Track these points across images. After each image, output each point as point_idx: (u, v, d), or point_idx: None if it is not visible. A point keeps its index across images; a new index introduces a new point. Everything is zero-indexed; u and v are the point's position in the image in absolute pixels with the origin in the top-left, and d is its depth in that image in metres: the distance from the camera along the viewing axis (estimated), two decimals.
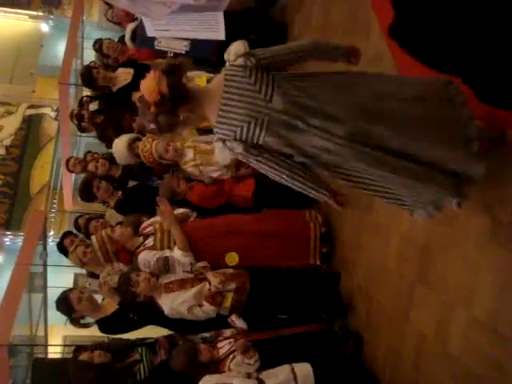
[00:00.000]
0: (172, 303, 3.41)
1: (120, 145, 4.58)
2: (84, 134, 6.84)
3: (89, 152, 5.89)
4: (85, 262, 3.88)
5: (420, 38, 1.69)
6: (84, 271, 4.80)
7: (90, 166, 5.13)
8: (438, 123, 2.10)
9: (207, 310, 3.40)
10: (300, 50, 2.22)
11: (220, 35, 2.39)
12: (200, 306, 3.40)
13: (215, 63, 4.91)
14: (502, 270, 2.32)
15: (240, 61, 2.06)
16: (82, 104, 6.12)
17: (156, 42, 4.68)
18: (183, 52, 4.66)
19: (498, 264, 2.35)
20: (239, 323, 3.43)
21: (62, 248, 4.53)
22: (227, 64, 2.16)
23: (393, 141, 2.05)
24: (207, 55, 4.88)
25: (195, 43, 4.59)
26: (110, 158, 5.10)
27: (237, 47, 2.15)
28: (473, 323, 2.48)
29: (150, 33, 2.47)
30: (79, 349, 3.64)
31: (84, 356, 3.42)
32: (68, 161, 5.63)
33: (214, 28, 2.42)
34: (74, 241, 4.38)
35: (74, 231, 4.96)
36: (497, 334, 2.32)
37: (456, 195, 2.15)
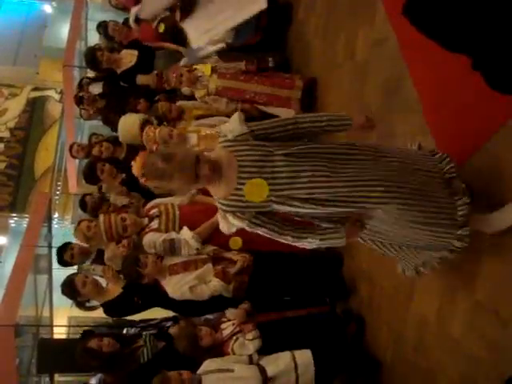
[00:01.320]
0: (176, 285, 3.44)
1: (129, 123, 4.56)
2: None
3: (93, 134, 5.91)
4: (89, 236, 3.89)
5: (434, 16, 1.67)
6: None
7: (95, 151, 5.14)
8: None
9: (215, 286, 3.41)
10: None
11: (262, 4, 2.33)
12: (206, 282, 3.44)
13: (255, 47, 4.92)
14: (503, 253, 2.34)
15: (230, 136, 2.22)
16: (81, 86, 6.11)
17: (200, 51, 4.63)
18: (228, 44, 4.61)
19: (500, 249, 2.36)
20: (236, 313, 3.45)
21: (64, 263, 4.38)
22: (224, 140, 2.25)
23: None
24: (251, 38, 4.81)
25: (237, 31, 4.53)
26: (114, 140, 5.11)
27: (232, 124, 2.23)
28: (474, 306, 2.50)
29: (195, 43, 2.42)
30: (89, 334, 3.65)
31: (93, 343, 3.42)
32: (71, 147, 5.64)
33: None
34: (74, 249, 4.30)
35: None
36: (498, 316, 2.34)
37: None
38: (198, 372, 3.06)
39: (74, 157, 5.81)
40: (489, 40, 1.64)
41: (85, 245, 4.21)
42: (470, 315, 2.54)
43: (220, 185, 2.22)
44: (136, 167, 2.27)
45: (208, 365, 3.12)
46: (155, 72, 5.08)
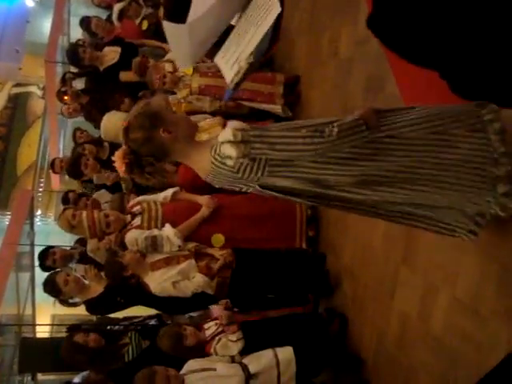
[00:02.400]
0: (158, 280, 3.44)
1: (112, 121, 4.53)
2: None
3: (78, 129, 5.85)
4: (74, 224, 3.87)
5: (398, 30, 1.67)
6: None
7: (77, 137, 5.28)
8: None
9: (199, 281, 3.41)
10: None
11: (277, 8, 2.16)
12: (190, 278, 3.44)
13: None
14: (484, 253, 2.36)
15: (230, 163, 1.96)
16: (64, 81, 6.06)
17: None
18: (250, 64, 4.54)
19: (480, 247, 2.38)
20: (217, 311, 3.45)
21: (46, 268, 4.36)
22: (217, 146, 2.01)
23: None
24: (267, 53, 4.76)
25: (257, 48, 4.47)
26: (96, 142, 5.11)
27: (228, 133, 2.00)
28: (454, 304, 2.53)
29: (230, 79, 2.24)
30: (74, 329, 3.65)
31: (79, 338, 3.43)
32: (53, 162, 5.56)
33: (269, 5, 2.20)
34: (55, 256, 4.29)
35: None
36: (477, 314, 2.37)
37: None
38: (181, 372, 3.06)
39: (57, 172, 5.76)
40: (449, 55, 1.64)
41: (66, 248, 4.21)
42: (450, 312, 2.56)
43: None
44: (117, 158, 2.20)
45: (191, 365, 3.12)
46: (141, 55, 5.00)
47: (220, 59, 2.40)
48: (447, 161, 2.00)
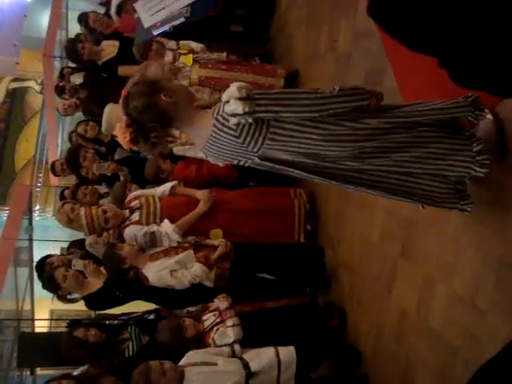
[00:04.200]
0: (156, 269, 3.45)
1: (115, 113, 4.51)
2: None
3: (81, 122, 5.82)
4: (72, 218, 3.86)
5: (398, 15, 1.67)
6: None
7: (80, 129, 5.15)
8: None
9: (196, 270, 3.42)
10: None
11: None
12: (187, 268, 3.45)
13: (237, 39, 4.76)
14: (481, 246, 2.37)
15: (234, 120, 1.95)
16: (62, 75, 6.03)
17: (154, 30, 4.56)
18: (184, 20, 4.55)
19: (478, 241, 2.39)
20: (222, 303, 3.45)
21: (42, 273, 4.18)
22: (221, 106, 2.01)
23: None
24: (209, 10, 4.75)
25: (194, 4, 4.47)
26: (100, 122, 5.09)
27: (232, 90, 1.98)
28: (453, 298, 2.53)
29: (147, 23, 2.34)
30: (75, 324, 3.65)
31: (79, 333, 3.43)
32: (53, 165, 5.36)
33: None
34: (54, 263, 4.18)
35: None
36: (475, 307, 2.37)
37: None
38: (181, 363, 3.05)
39: (58, 175, 5.66)
40: (450, 42, 1.65)
41: (63, 257, 4.17)
42: (448, 306, 2.57)
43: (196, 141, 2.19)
44: (119, 132, 2.16)
45: (191, 356, 3.11)
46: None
47: (140, 6, 2.44)
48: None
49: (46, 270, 4.08)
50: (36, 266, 4.32)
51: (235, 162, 2.14)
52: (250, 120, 1.94)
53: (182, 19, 4.31)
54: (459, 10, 1.52)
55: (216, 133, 2.02)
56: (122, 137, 2.12)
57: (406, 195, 2.22)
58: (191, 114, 2.12)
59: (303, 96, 1.98)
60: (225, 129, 1.99)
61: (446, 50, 1.68)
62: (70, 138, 5.74)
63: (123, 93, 2.10)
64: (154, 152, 3.57)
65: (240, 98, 1.92)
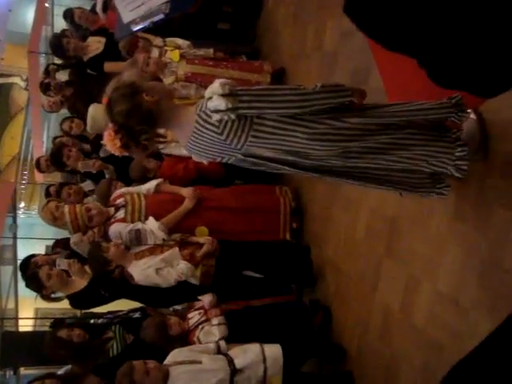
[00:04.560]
0: (141, 268, 3.43)
1: (99, 112, 4.48)
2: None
3: (66, 118, 5.77)
4: (57, 216, 3.82)
5: (375, 15, 1.67)
6: None
7: (65, 126, 5.13)
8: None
9: (182, 268, 3.41)
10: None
11: None
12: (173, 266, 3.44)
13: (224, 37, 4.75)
14: (465, 245, 2.39)
15: (216, 117, 1.95)
16: (48, 72, 5.97)
17: (133, 26, 4.53)
18: (164, 17, 4.53)
19: (462, 240, 2.41)
20: (206, 298, 3.45)
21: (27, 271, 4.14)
22: (203, 103, 2.02)
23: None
24: (188, 7, 4.74)
25: (173, 0, 4.46)
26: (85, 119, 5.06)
27: (215, 87, 1.99)
28: (437, 296, 2.55)
29: (126, 18, 2.35)
30: (58, 324, 3.62)
31: (63, 333, 3.39)
32: (38, 162, 5.30)
33: None
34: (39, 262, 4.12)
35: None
36: (458, 305, 2.39)
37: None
38: (165, 362, 3.03)
39: (43, 172, 5.62)
40: (427, 42, 1.65)
41: (48, 257, 4.13)
42: (432, 303, 2.59)
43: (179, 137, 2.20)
44: (108, 140, 2.14)
45: (176, 355, 3.09)
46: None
47: (120, 2, 2.45)
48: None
49: (29, 269, 4.03)
50: (20, 265, 4.27)
51: (219, 160, 2.14)
52: (233, 116, 1.94)
53: (161, 16, 4.30)
54: (436, 8, 1.53)
55: (198, 129, 2.02)
56: (112, 144, 2.10)
57: (386, 184, 2.24)
58: (174, 111, 2.12)
59: (286, 92, 1.98)
60: (207, 125, 1.99)
61: (424, 50, 1.69)
62: (53, 144, 5.68)
63: (104, 100, 2.09)
64: (146, 154, 3.57)
65: (223, 95, 1.92)
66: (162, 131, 2.27)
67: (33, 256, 4.23)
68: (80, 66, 5.46)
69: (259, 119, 1.99)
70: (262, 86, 2.08)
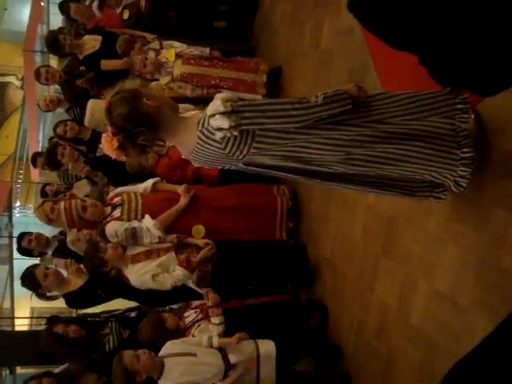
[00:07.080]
0: (138, 273, 3.42)
1: (99, 106, 4.46)
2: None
3: (60, 122, 5.74)
4: (51, 218, 3.81)
5: (379, 12, 1.67)
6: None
7: (59, 130, 5.08)
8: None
9: (179, 275, 3.40)
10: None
11: None
12: (169, 272, 3.43)
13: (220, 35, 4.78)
14: (462, 244, 2.39)
15: (219, 135, 1.95)
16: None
17: None
18: None
19: (458, 239, 2.41)
20: (210, 295, 3.44)
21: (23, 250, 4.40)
22: (205, 119, 2.00)
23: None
24: None
25: None
26: (79, 120, 5.03)
27: (217, 104, 1.95)
28: (433, 294, 2.55)
29: None
30: (54, 320, 3.60)
31: (59, 328, 3.39)
32: (34, 158, 5.25)
33: None
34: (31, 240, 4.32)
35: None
36: (455, 304, 2.39)
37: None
38: (160, 354, 3.03)
39: (38, 167, 5.61)
40: (430, 39, 1.65)
41: (44, 234, 4.17)
42: (428, 302, 2.59)
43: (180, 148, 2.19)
44: (105, 143, 2.14)
45: (170, 347, 3.08)
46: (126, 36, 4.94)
47: None
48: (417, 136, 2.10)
49: (23, 241, 4.25)
50: (17, 237, 4.38)
51: (220, 167, 2.14)
52: (236, 133, 1.94)
53: None
54: (440, 6, 1.53)
55: (201, 145, 2.03)
56: (109, 146, 2.10)
57: (385, 188, 2.25)
58: (175, 122, 2.12)
59: (288, 107, 1.97)
60: (210, 141, 1.99)
61: (426, 47, 1.69)
62: (49, 144, 5.66)
63: (105, 104, 2.09)
64: (144, 156, 3.57)
65: (226, 113, 1.91)
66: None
67: (28, 232, 4.32)
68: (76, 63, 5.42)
69: (262, 131, 2.00)
70: (264, 99, 2.07)
